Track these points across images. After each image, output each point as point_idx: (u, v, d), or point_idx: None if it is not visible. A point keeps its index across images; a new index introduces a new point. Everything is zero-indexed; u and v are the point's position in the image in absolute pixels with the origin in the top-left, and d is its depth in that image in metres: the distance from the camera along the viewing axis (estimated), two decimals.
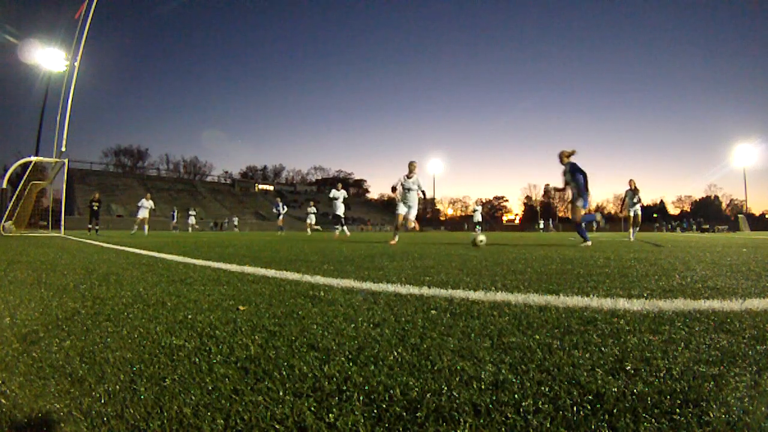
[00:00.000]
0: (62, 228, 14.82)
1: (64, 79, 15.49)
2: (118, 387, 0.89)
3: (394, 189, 8.38)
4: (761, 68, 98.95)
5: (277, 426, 0.73)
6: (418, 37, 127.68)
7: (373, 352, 1.10)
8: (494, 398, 0.82)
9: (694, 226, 45.79)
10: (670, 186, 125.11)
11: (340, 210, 14.16)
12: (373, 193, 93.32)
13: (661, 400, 0.80)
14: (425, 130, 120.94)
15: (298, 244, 7.42)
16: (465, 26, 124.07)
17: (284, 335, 1.27)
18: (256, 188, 72.54)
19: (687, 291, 2.05)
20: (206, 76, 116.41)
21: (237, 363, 1.03)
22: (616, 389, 0.85)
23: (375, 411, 0.78)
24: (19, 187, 14.81)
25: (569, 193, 7.22)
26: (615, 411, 0.76)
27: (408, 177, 8.27)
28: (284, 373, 0.96)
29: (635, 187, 11.65)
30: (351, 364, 1.02)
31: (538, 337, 1.24)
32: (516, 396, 0.83)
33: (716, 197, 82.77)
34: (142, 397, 0.84)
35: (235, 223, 39.64)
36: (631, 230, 11.57)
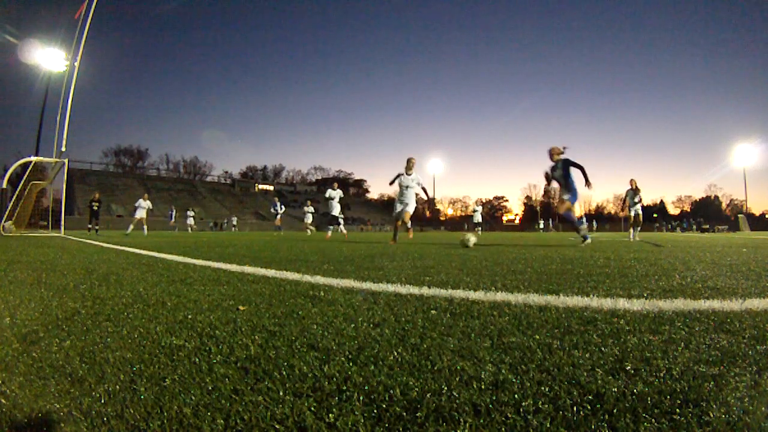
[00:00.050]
0: (62, 228, 14.82)
1: (64, 79, 15.50)
2: (118, 387, 0.89)
3: (392, 183, 8.18)
4: (761, 68, 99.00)
5: (277, 426, 0.73)
6: (418, 37, 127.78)
7: (373, 352, 1.10)
8: (494, 398, 0.82)
9: (694, 226, 45.79)
10: (670, 186, 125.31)
11: (336, 210, 14.05)
12: (373, 193, 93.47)
13: (661, 400, 0.80)
14: (425, 130, 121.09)
15: (298, 244, 7.42)
16: (465, 26, 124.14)
17: (284, 335, 1.27)
18: (256, 188, 72.55)
19: (687, 291, 2.05)
20: (206, 76, 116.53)
21: (237, 363, 1.03)
22: (616, 389, 0.85)
23: (375, 411, 0.78)
24: (19, 187, 14.81)
25: (558, 188, 7.19)
26: (615, 411, 0.76)
27: (407, 174, 8.03)
28: (284, 373, 0.96)
29: (636, 186, 11.63)
30: (351, 364, 1.02)
31: (538, 337, 1.24)
32: (516, 396, 0.83)
33: (716, 197, 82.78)
34: (142, 397, 0.84)
35: (234, 223, 39.64)
36: (631, 230, 11.56)
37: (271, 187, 74.57)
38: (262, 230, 37.25)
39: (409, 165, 7.98)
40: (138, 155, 71.53)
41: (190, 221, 29.54)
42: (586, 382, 0.89)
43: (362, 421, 0.74)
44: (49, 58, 16.24)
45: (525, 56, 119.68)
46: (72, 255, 4.62)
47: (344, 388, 0.88)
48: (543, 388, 0.86)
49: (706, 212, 69.18)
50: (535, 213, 73.81)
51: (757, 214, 64.55)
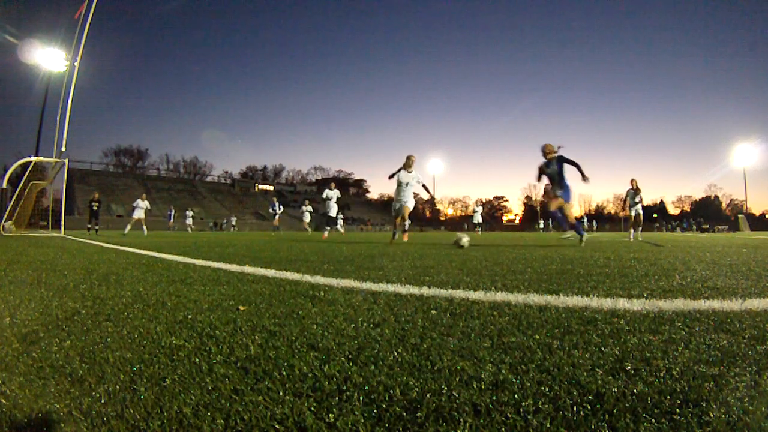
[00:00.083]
0: (62, 228, 14.82)
1: (64, 79, 15.51)
2: (118, 387, 0.89)
3: (392, 176, 7.97)
4: (761, 68, 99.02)
5: (277, 426, 0.73)
6: (418, 37, 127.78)
7: (373, 352, 1.10)
8: (494, 398, 0.82)
9: (694, 226, 45.79)
10: (670, 186, 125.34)
11: (333, 210, 13.99)
12: (373, 193, 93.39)
13: (661, 400, 0.80)
14: (425, 130, 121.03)
15: (297, 244, 7.42)
16: (465, 26, 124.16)
17: (284, 335, 1.27)
18: (256, 188, 72.53)
19: (687, 291, 2.05)
20: (206, 76, 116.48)
21: (237, 363, 1.03)
22: (616, 389, 0.85)
23: (375, 411, 0.78)
24: (19, 187, 14.81)
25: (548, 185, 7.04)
26: (615, 411, 0.76)
27: (408, 171, 7.82)
28: (284, 373, 0.96)
29: (637, 186, 11.61)
30: (351, 364, 1.02)
31: (538, 337, 1.24)
32: (516, 396, 0.83)
33: (716, 197, 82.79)
34: (142, 397, 0.84)
35: (233, 223, 39.67)
36: (631, 230, 11.55)
37: (271, 187, 74.56)
38: (262, 230, 37.26)
39: (409, 162, 7.80)
40: (138, 155, 71.57)
41: (189, 221, 29.55)
42: (586, 382, 0.89)
43: (362, 421, 0.74)
44: (49, 58, 16.23)
45: (525, 56, 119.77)
46: (72, 255, 4.62)
47: (344, 388, 0.88)
48: (543, 388, 0.86)
49: (706, 212, 69.20)
50: (535, 213, 73.78)
51: (757, 214, 64.58)
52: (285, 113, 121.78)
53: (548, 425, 0.72)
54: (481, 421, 0.74)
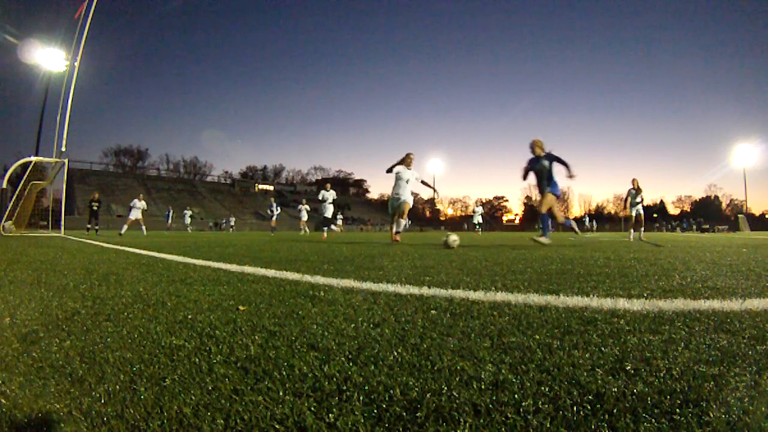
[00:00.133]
0: (62, 228, 14.82)
1: (64, 79, 15.51)
2: (118, 387, 0.89)
3: (390, 170, 7.67)
4: (761, 68, 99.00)
5: (277, 426, 0.73)
6: (418, 37, 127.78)
7: (373, 352, 1.10)
8: (494, 398, 0.82)
9: (694, 226, 45.79)
10: (670, 186, 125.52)
11: (329, 212, 13.92)
12: (373, 193, 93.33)
13: (661, 400, 0.80)
14: (425, 130, 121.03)
15: (298, 244, 7.42)
16: (465, 26, 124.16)
17: (284, 335, 1.27)
18: (256, 188, 72.51)
19: (687, 291, 2.05)
20: (206, 76, 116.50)
21: (237, 363, 1.03)
22: (616, 389, 0.85)
23: (375, 411, 0.78)
24: (19, 187, 14.81)
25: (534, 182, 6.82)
26: (615, 411, 0.76)
27: (407, 167, 7.64)
28: (284, 373, 0.96)
29: (638, 186, 11.57)
30: (351, 364, 1.02)
31: (538, 337, 1.24)
32: (516, 396, 0.83)
33: (716, 197, 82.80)
34: (142, 397, 0.84)
35: (231, 223, 39.71)
36: (632, 230, 11.54)
37: (271, 187, 74.50)
38: (262, 230, 37.27)
39: (408, 161, 7.62)
40: (138, 155, 71.55)
41: (188, 221, 29.54)
42: (586, 382, 0.89)
43: (362, 421, 0.74)
44: (49, 58, 16.23)
45: (525, 56, 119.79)
46: (72, 255, 4.62)
47: (344, 388, 0.88)
48: (543, 388, 0.86)
49: (706, 212, 69.20)
50: (535, 213, 73.62)
51: (757, 214, 64.60)
52: (285, 113, 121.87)
53: (548, 425, 0.72)
54: (481, 421, 0.74)
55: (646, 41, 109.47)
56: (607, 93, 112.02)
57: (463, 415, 0.76)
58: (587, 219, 44.71)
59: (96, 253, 4.91)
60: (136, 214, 14.42)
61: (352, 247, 6.52)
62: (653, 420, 0.73)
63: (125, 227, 14.26)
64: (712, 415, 0.74)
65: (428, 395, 0.83)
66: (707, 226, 42.01)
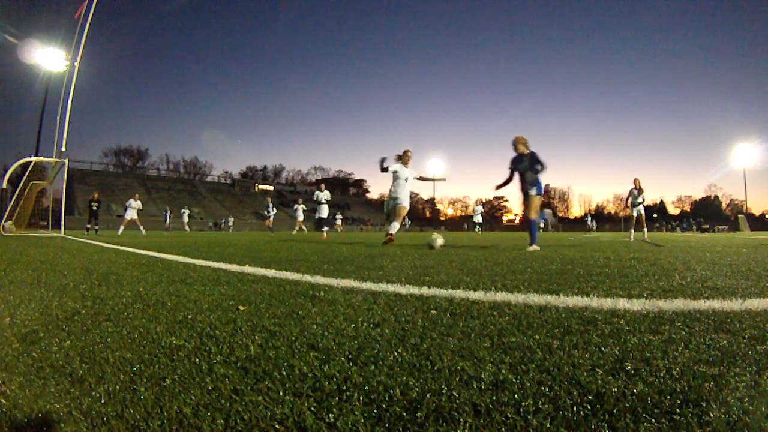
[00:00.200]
0: (62, 228, 14.82)
1: (64, 79, 15.52)
2: (118, 387, 0.89)
3: (385, 169, 6.91)
4: (761, 68, 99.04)
5: (277, 426, 0.73)
6: (418, 38, 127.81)
7: (373, 352, 1.10)
8: (494, 398, 0.82)
9: (694, 226, 45.81)
10: (670, 186, 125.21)
11: (324, 212, 13.87)
12: (373, 193, 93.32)
13: (661, 400, 0.80)
14: (425, 130, 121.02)
15: (297, 245, 7.42)
16: (465, 26, 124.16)
17: (284, 335, 1.27)
18: (256, 188, 72.51)
19: (687, 291, 2.05)
20: (206, 76, 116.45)
21: (237, 363, 1.03)
22: (616, 389, 0.85)
23: (375, 411, 0.78)
24: (19, 187, 14.81)
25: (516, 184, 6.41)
26: (615, 411, 0.76)
27: (404, 165, 7.04)
28: (284, 373, 0.96)
29: (640, 186, 11.54)
30: (351, 364, 1.02)
31: (538, 337, 1.24)
32: (516, 396, 0.83)
33: (716, 197, 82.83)
34: (142, 397, 0.84)
35: (230, 223, 39.71)
36: (632, 230, 11.52)
37: (271, 187, 74.47)
38: (261, 230, 37.31)
39: (406, 158, 7.03)
40: (138, 155, 71.53)
41: (185, 219, 29.51)
42: (586, 382, 0.89)
43: (362, 421, 0.74)
44: (49, 58, 16.24)
45: (525, 56, 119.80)
46: (72, 255, 4.62)
47: (344, 388, 0.88)
48: (543, 388, 0.86)
49: (706, 212, 69.22)
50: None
51: (757, 214, 64.57)
52: (285, 113, 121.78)
53: (548, 425, 0.72)
54: (481, 421, 0.74)
55: (646, 41, 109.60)
56: (607, 93, 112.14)
57: (463, 415, 0.76)
58: (589, 219, 44.78)
59: (96, 253, 4.91)
60: (131, 214, 14.39)
61: (352, 247, 6.52)
62: (653, 420, 0.73)
63: (122, 227, 14.25)
64: (712, 415, 0.74)
65: (428, 395, 0.83)
66: (707, 226, 42.03)
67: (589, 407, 0.78)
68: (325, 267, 3.23)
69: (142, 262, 3.77)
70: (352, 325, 1.38)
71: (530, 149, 6.26)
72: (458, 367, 0.98)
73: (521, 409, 0.77)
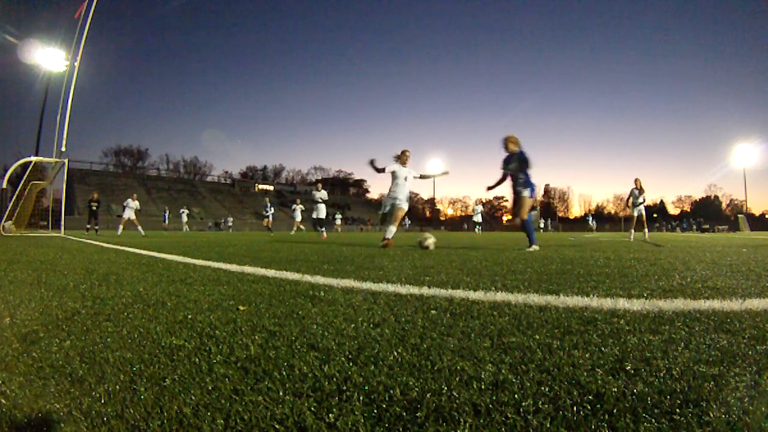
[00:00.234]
0: (62, 228, 14.82)
1: (64, 79, 15.53)
2: (118, 387, 0.89)
3: (382, 170, 6.53)
4: (761, 68, 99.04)
5: (277, 426, 0.73)
6: (418, 37, 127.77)
7: (373, 352, 1.10)
8: (494, 398, 0.82)
9: (694, 226, 45.81)
10: (670, 186, 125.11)
11: (322, 212, 13.83)
12: (373, 193, 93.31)
13: (661, 400, 0.80)
14: (425, 130, 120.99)
15: (297, 245, 7.42)
16: (465, 26, 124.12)
17: (284, 335, 1.27)
18: (256, 188, 72.49)
19: (687, 291, 2.05)
20: (206, 76, 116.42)
21: (237, 363, 1.03)
22: (616, 389, 0.85)
23: (375, 411, 0.78)
24: (19, 187, 14.82)
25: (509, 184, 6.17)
26: (615, 411, 0.76)
27: (402, 165, 6.67)
28: (284, 373, 0.96)
29: (641, 186, 11.51)
30: (351, 364, 1.02)
31: (538, 337, 1.24)
32: (516, 396, 0.83)
33: (716, 197, 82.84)
34: (142, 397, 0.84)
35: (229, 223, 39.72)
36: (632, 230, 11.51)
37: (271, 187, 74.40)
38: (261, 230, 37.33)
39: (405, 157, 6.67)
40: (138, 155, 71.50)
41: (184, 219, 29.51)
42: (586, 382, 0.89)
43: (362, 421, 0.74)
44: (49, 58, 16.25)
45: (525, 56, 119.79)
46: (72, 255, 4.62)
47: (344, 388, 0.88)
48: (543, 388, 0.86)
49: (706, 212, 69.23)
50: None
51: (757, 214, 64.60)
52: (285, 113, 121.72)
53: (548, 425, 0.72)
54: (481, 421, 0.74)
55: (646, 41, 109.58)
56: (607, 93, 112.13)
57: (463, 415, 0.76)
58: (591, 218, 44.87)
59: (96, 253, 4.91)
60: (129, 214, 14.35)
61: (352, 247, 6.52)
62: (653, 420, 0.73)
63: (121, 228, 14.24)
64: (712, 415, 0.74)
65: (428, 395, 0.83)
66: (707, 226, 42.02)
67: (589, 407, 0.78)
68: (325, 267, 3.23)
69: (142, 262, 3.77)
70: (352, 325, 1.38)
71: (520, 149, 6.05)
72: (458, 367, 0.98)
73: (521, 409, 0.77)
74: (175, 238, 12.17)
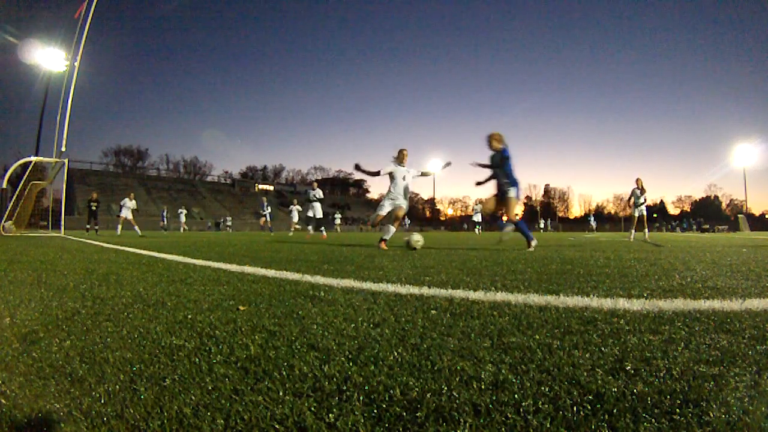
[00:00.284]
0: (62, 228, 14.83)
1: (64, 79, 15.54)
2: (118, 387, 0.89)
3: (377, 173, 6.36)
4: (761, 68, 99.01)
5: (277, 426, 0.73)
6: (418, 37, 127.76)
7: (373, 352, 1.10)
8: (494, 398, 0.82)
9: (694, 226, 45.82)
10: (670, 186, 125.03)
11: (318, 212, 13.83)
12: (373, 193, 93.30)
13: (661, 400, 0.80)
14: (425, 130, 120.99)
15: (297, 245, 7.42)
16: (465, 26, 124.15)
17: (284, 335, 1.27)
18: (256, 188, 72.48)
19: (687, 291, 2.05)
20: (206, 76, 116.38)
21: (237, 363, 1.03)
22: (616, 389, 0.85)
23: (375, 411, 0.78)
24: (19, 187, 14.82)
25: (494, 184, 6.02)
26: (615, 411, 0.76)
27: (400, 165, 6.44)
28: (284, 373, 0.96)
29: (642, 186, 11.49)
30: (351, 364, 1.02)
31: (538, 337, 1.24)
32: (516, 396, 0.83)
33: (716, 197, 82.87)
34: (142, 397, 0.84)
35: (228, 222, 39.72)
36: (633, 230, 11.50)
37: (271, 187, 74.39)
38: (261, 230, 37.33)
39: (401, 156, 6.47)
40: (138, 155, 71.49)
41: (182, 219, 29.50)
42: (586, 382, 0.89)
43: (362, 421, 0.74)
44: (49, 58, 16.25)
45: (525, 56, 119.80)
46: (72, 255, 4.62)
47: (344, 388, 0.88)
48: (543, 388, 0.86)
49: (706, 212, 69.26)
50: (535, 213, 73.79)
51: (757, 214, 64.62)
52: (285, 113, 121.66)
53: (548, 425, 0.72)
54: (481, 421, 0.74)
55: (646, 41, 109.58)
56: (607, 93, 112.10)
57: (463, 415, 0.76)
58: (592, 218, 44.97)
59: (96, 253, 4.91)
60: (126, 213, 14.32)
61: (352, 247, 6.52)
62: (653, 420, 0.73)
63: (119, 227, 14.24)
64: (712, 415, 0.74)
65: (428, 395, 0.83)
66: (707, 226, 42.03)
67: (589, 407, 0.78)
68: (325, 267, 3.23)
69: (142, 262, 3.77)
70: (352, 325, 1.38)
71: (504, 146, 5.83)
72: (458, 367, 0.98)
73: (521, 409, 0.77)
74: (173, 238, 12.17)
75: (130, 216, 14.26)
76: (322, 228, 13.62)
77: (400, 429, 0.72)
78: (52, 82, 17.61)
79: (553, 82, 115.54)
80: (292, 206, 18.35)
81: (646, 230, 11.81)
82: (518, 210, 6.10)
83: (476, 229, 23.12)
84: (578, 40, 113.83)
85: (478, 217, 23.19)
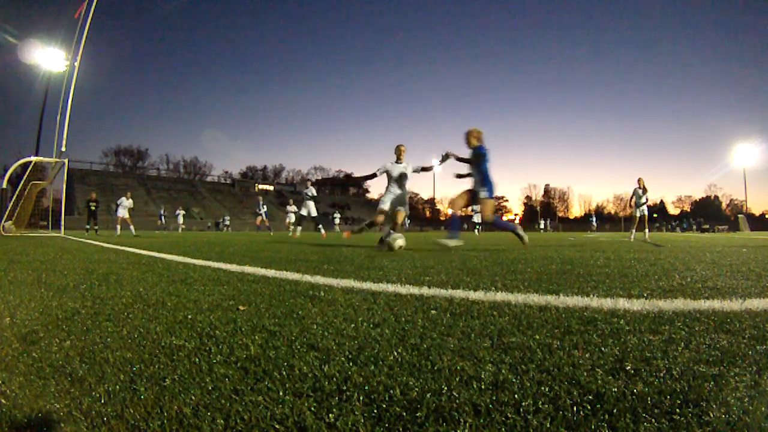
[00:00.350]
0: (62, 228, 14.83)
1: (64, 79, 15.55)
2: (118, 387, 0.89)
3: (373, 175, 6.29)
4: (761, 68, 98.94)
5: (277, 426, 0.73)
6: (418, 38, 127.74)
7: (373, 352, 1.10)
8: (494, 398, 0.82)
9: (694, 226, 45.81)
10: (670, 186, 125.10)
11: (314, 211, 13.83)
12: (373, 193, 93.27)
13: (661, 400, 0.81)
14: (425, 130, 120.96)
15: (297, 245, 7.42)
16: (466, 26, 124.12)
17: (284, 335, 1.27)
18: (256, 188, 72.46)
19: (687, 291, 2.05)
20: (206, 76, 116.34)
21: (237, 363, 1.03)
22: (616, 389, 0.85)
23: (375, 411, 0.78)
24: (19, 187, 14.83)
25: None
26: (615, 411, 0.76)
27: (397, 162, 6.31)
28: (284, 373, 0.96)
29: (644, 186, 11.45)
30: (351, 364, 1.02)
31: (538, 337, 1.24)
32: (516, 396, 0.83)
33: (716, 197, 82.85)
34: (142, 397, 0.84)
35: (227, 222, 39.72)
36: (633, 230, 11.49)
37: (271, 187, 74.34)
38: (261, 230, 37.32)
39: (398, 152, 6.31)
40: (138, 155, 71.49)
41: (180, 219, 29.49)
42: (586, 382, 0.89)
43: (362, 421, 0.74)
44: (49, 58, 16.26)
45: (526, 56, 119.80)
46: (72, 255, 4.62)
47: (344, 388, 0.88)
48: (543, 388, 0.86)
49: (706, 212, 69.24)
50: (535, 213, 73.81)
51: (757, 214, 64.57)
52: (285, 113, 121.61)
53: (548, 425, 0.72)
54: (481, 421, 0.74)
55: (646, 41, 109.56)
56: (607, 93, 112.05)
57: (463, 415, 0.76)
58: (594, 218, 45.11)
59: (96, 253, 4.91)
60: (122, 213, 14.31)
61: (352, 247, 6.52)
62: (653, 420, 0.73)
63: (118, 227, 14.23)
64: (712, 415, 0.74)
65: (428, 395, 0.83)
66: (707, 226, 42.01)
67: (589, 407, 0.78)
68: (325, 267, 3.23)
69: (142, 262, 3.77)
70: (352, 325, 1.38)
71: (480, 144, 5.59)
72: (458, 367, 0.98)
73: (521, 409, 0.77)
74: (171, 238, 12.17)
75: (126, 215, 14.26)
76: (321, 228, 13.60)
77: (400, 429, 0.72)
78: (52, 82, 17.62)
79: (553, 82, 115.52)
80: (288, 207, 18.35)
81: (647, 230, 11.80)
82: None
83: (476, 230, 23.12)
84: (578, 40, 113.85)
85: (477, 218, 23.15)
